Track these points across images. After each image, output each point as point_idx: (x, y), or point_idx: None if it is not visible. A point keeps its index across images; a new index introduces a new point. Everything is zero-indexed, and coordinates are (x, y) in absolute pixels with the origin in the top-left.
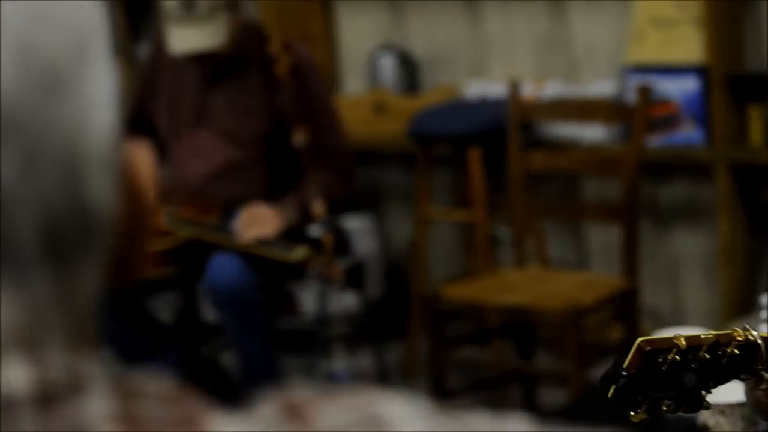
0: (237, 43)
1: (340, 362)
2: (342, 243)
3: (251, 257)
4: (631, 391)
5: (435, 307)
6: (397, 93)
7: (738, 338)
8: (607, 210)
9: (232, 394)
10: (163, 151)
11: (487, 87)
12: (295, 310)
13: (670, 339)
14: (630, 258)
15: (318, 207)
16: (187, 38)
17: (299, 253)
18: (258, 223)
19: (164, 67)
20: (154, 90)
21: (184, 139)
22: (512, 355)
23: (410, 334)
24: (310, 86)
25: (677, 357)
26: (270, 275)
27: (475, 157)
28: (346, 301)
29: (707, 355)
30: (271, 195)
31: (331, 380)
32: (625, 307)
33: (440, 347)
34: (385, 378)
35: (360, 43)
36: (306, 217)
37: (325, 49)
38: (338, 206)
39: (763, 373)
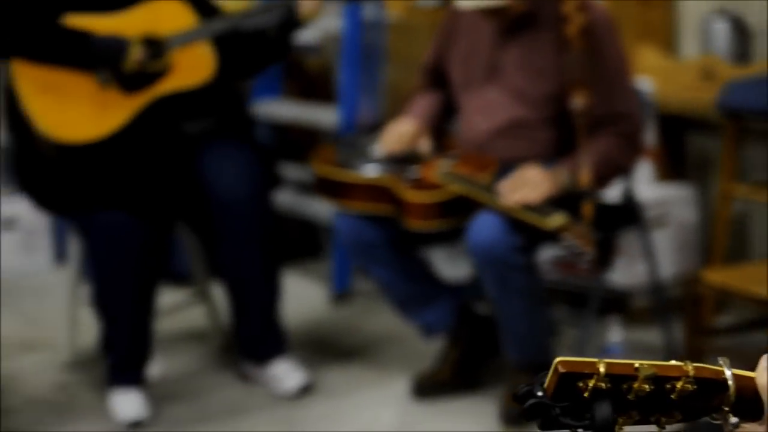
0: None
1: (616, 334)
2: (616, 214)
3: (514, 219)
4: (542, 413)
5: (694, 291)
6: (728, 61)
7: (690, 374)
8: None
9: (495, 350)
10: (455, 103)
11: None
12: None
13: (591, 363)
14: None
15: (586, 174)
16: None
17: (556, 220)
18: (526, 186)
19: (462, 20)
20: (451, 42)
21: (474, 94)
22: None
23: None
24: (602, 49)
25: (603, 385)
26: (531, 238)
27: None
28: (637, 272)
29: (647, 387)
30: (550, 158)
31: (604, 353)
32: None
33: (696, 333)
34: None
35: (698, 6)
36: (574, 184)
37: (662, 9)
38: (619, 173)
39: (730, 416)
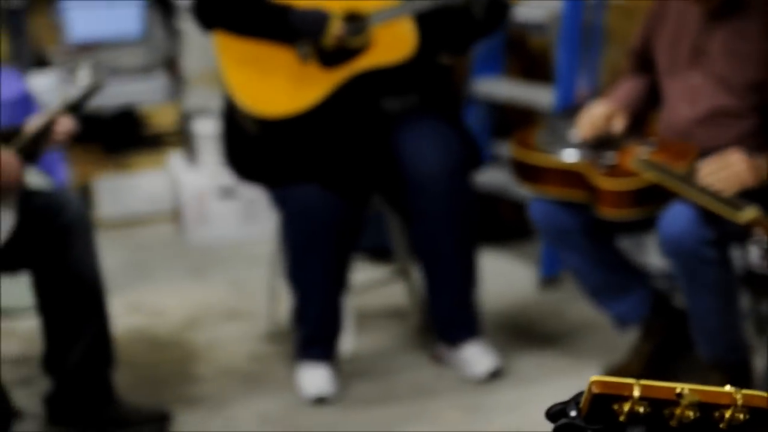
0: None
1: None
2: None
3: (708, 212)
4: None
5: None
6: None
7: (738, 403)
8: None
9: (690, 344)
10: (660, 89)
11: None
12: None
13: (627, 385)
14: None
15: None
16: None
17: (748, 213)
18: (726, 170)
19: (671, 3)
20: (659, 25)
21: (678, 79)
22: None
23: None
24: None
25: (641, 409)
26: (725, 232)
27: None
28: None
29: (692, 414)
30: (753, 148)
31: None
32: None
33: None
34: None
35: None
36: None
37: None
38: None
39: None
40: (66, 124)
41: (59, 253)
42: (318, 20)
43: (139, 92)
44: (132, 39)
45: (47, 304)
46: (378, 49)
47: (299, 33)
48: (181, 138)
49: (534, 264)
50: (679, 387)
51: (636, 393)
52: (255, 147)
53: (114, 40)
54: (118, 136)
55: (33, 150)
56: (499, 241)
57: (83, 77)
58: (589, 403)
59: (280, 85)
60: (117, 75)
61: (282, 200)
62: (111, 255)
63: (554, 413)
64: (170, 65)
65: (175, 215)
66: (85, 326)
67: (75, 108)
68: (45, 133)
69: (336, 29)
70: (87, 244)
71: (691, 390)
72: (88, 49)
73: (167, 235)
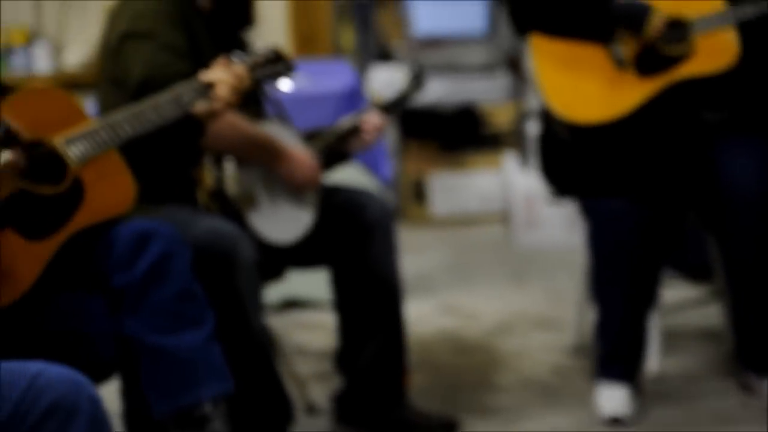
0: None
1: None
2: None
3: None
4: None
5: None
6: None
7: None
8: None
9: None
10: None
11: None
12: None
13: None
14: None
15: None
16: None
17: None
18: None
19: None
20: None
21: None
22: None
23: None
24: None
25: None
26: None
27: None
28: None
29: None
30: None
31: None
32: None
33: None
34: None
35: None
36: None
37: None
38: None
39: None
40: (374, 122)
41: (359, 252)
42: (640, 10)
43: (480, 90)
44: (476, 36)
45: (344, 301)
46: (698, 58)
47: (619, 22)
48: (517, 139)
49: None
50: None
51: None
52: (567, 154)
53: (458, 37)
54: (455, 133)
55: (340, 149)
56: None
57: (402, 79)
58: None
59: (593, 90)
60: (459, 72)
61: (590, 211)
62: (437, 253)
63: None
64: (513, 64)
65: (505, 217)
66: (380, 327)
67: (389, 109)
68: (353, 133)
69: (659, 21)
70: (388, 244)
71: None
72: (431, 44)
73: (495, 236)
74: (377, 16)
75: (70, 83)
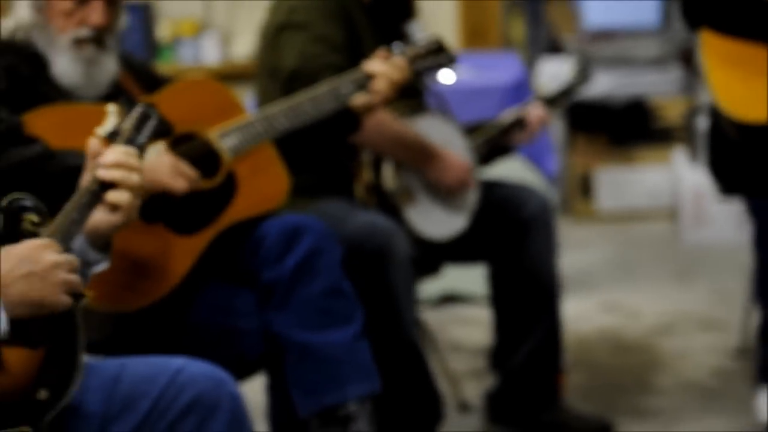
0: None
1: None
2: None
3: None
4: None
5: None
6: None
7: None
8: None
9: None
10: None
11: None
12: None
13: None
14: None
15: None
16: None
17: None
18: None
19: None
20: None
21: None
22: None
23: None
24: None
25: None
26: None
27: None
28: None
29: None
30: None
31: None
32: None
33: None
34: None
35: None
36: None
37: None
38: None
39: None
40: (537, 115)
41: (516, 248)
42: None
43: (651, 83)
44: (649, 28)
45: (500, 297)
46: None
47: None
48: (687, 134)
49: None
50: None
51: None
52: (734, 152)
53: (630, 29)
54: (625, 127)
55: (502, 142)
56: None
57: (569, 72)
58: None
59: (763, 89)
60: (631, 65)
61: (756, 211)
62: (601, 250)
63: None
64: (686, 57)
65: (673, 213)
66: (536, 325)
67: (553, 102)
68: (516, 126)
69: None
70: (547, 241)
71: None
72: (603, 37)
73: (662, 233)
74: (548, 9)
75: (238, 74)
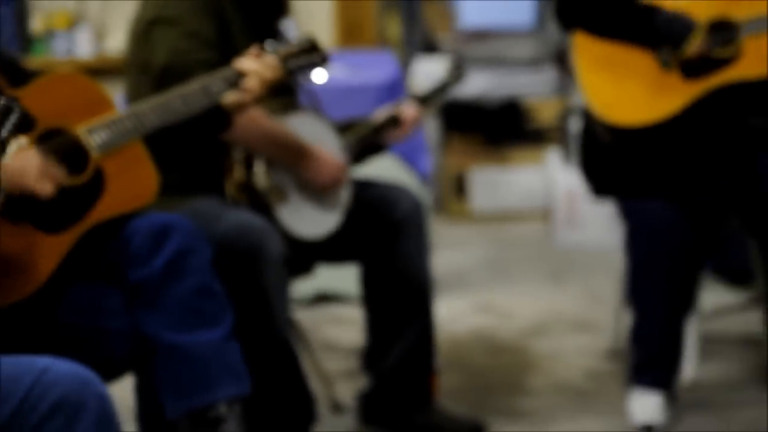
0: None
1: None
2: None
3: None
4: None
5: None
6: None
7: None
8: None
9: None
10: None
11: None
12: None
13: None
14: None
15: None
16: None
17: None
18: None
19: None
20: None
21: None
22: None
23: None
24: None
25: None
26: None
27: None
28: None
29: None
30: None
31: None
32: None
33: None
34: None
35: None
36: None
37: None
38: None
39: None
40: (410, 114)
41: (389, 248)
42: (682, 27)
43: (526, 84)
44: (524, 29)
45: (373, 298)
46: (746, 61)
47: (661, 37)
48: (561, 135)
49: None
50: None
51: None
52: (606, 154)
53: (505, 30)
54: (500, 127)
55: (375, 141)
56: None
57: (442, 71)
58: None
59: (636, 92)
60: (505, 66)
61: (628, 212)
62: (475, 250)
63: None
64: (560, 59)
65: (547, 214)
66: (409, 326)
67: (426, 101)
68: (389, 124)
69: (697, 42)
70: (419, 241)
71: None
72: (478, 37)
73: (535, 234)
74: (424, 8)
75: (112, 69)
